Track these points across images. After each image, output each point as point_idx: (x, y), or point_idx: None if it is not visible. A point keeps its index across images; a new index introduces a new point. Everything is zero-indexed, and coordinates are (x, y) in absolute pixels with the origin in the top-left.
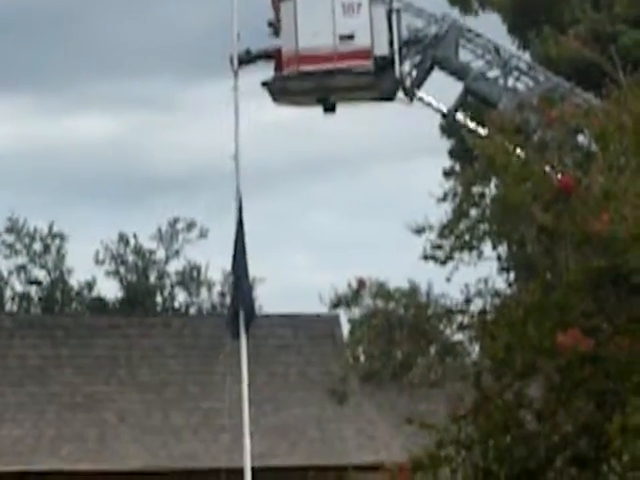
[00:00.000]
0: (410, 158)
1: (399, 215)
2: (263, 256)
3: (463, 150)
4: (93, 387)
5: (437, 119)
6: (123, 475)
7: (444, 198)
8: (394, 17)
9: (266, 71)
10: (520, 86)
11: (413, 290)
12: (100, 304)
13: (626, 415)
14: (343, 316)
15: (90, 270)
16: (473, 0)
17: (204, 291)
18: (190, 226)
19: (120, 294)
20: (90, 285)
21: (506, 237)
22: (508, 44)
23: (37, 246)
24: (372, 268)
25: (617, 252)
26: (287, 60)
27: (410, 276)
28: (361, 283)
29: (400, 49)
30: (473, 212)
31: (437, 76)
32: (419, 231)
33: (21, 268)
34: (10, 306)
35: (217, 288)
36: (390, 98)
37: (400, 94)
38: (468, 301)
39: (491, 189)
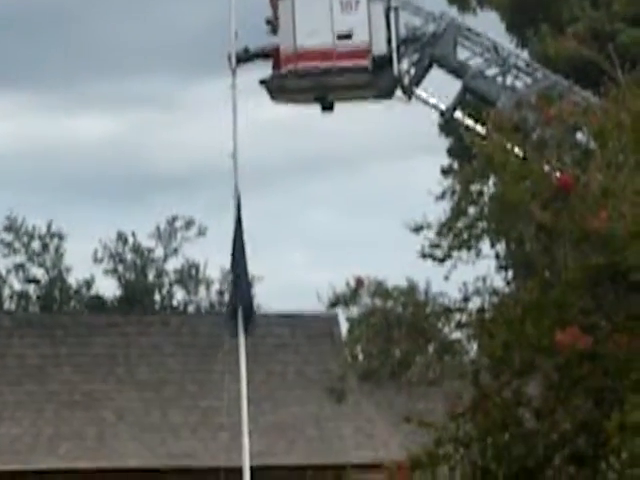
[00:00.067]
0: (408, 156)
1: (397, 213)
2: (261, 254)
3: (461, 148)
4: (91, 385)
5: (435, 117)
6: (122, 473)
7: (442, 196)
8: (392, 15)
9: (264, 69)
10: (519, 84)
11: (411, 288)
12: (98, 302)
13: (624, 413)
14: (341, 315)
15: (88, 269)
16: None
17: (202, 289)
18: (188, 224)
19: (118, 292)
20: (88, 283)
21: (504, 235)
22: (506, 42)
23: (36, 245)
24: (370, 266)
25: (616, 250)
26: (285, 58)
27: (408, 274)
28: (359, 282)
29: (398, 47)
30: (471, 210)
31: (435, 74)
32: (417, 229)
33: (19, 267)
34: (9, 305)
35: (215, 286)
36: (388, 96)
37: (398, 92)
38: (466, 299)
39: (489, 187)
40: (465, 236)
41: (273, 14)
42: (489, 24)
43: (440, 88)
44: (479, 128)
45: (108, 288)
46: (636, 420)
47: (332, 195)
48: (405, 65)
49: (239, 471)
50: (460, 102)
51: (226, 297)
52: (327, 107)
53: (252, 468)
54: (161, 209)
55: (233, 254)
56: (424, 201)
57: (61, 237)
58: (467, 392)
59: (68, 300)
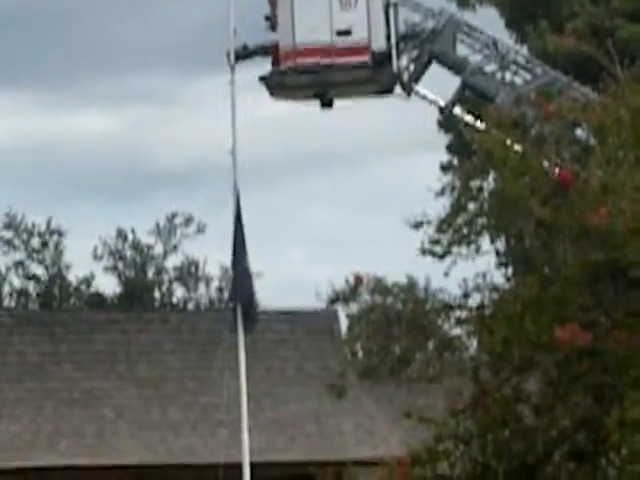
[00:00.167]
0: (408, 153)
1: (397, 210)
2: (260, 251)
3: (461, 145)
4: (91, 383)
5: (435, 113)
6: (121, 470)
7: (442, 192)
8: (391, 11)
9: (263, 66)
10: (518, 80)
11: (411, 285)
12: (98, 300)
13: (624, 409)
14: (341, 311)
15: (88, 266)
16: None
17: (202, 286)
18: (188, 221)
19: (118, 290)
20: (88, 281)
21: (504, 231)
22: (505, 38)
23: (35, 242)
24: (370, 263)
25: (615, 246)
26: (284, 55)
27: (408, 271)
28: (358, 279)
29: (397, 43)
30: (471, 206)
31: (435, 70)
32: (417, 225)
33: (19, 264)
34: (8, 302)
35: (215, 283)
36: (388, 93)
37: (398, 89)
38: (466, 296)
39: (489, 183)
40: (465, 232)
41: (272, 11)
42: (488, 20)
43: (439, 84)
44: (478, 124)
45: (108, 285)
46: (636, 416)
47: (331, 191)
48: (404, 61)
49: (239, 467)
50: (459, 98)
51: (226, 294)
52: (326, 103)
53: (252, 464)
54: (160, 206)
55: (234, 251)
56: (424, 197)
57: (61, 234)
58: (467, 388)
59: (68, 297)
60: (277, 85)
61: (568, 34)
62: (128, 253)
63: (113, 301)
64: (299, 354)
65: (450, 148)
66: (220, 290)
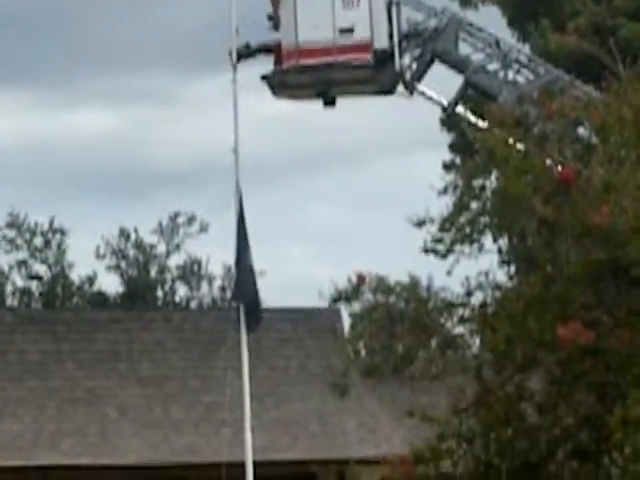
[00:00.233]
0: (410, 151)
1: (400, 208)
2: (263, 249)
3: (463, 143)
4: (94, 381)
5: (437, 112)
6: (124, 469)
7: (445, 191)
8: (394, 10)
9: (266, 65)
10: (520, 79)
11: (414, 284)
12: (101, 299)
13: (627, 407)
14: (344, 310)
15: (91, 265)
16: None
17: (205, 285)
18: (190, 220)
19: (121, 288)
20: (91, 280)
21: (506, 230)
22: (508, 37)
23: (38, 241)
24: (373, 261)
25: (617, 244)
26: (287, 54)
27: (411, 269)
28: (360, 278)
29: (400, 42)
30: (474, 205)
31: (437, 69)
32: (420, 224)
33: (22, 263)
34: (11, 301)
35: (218, 282)
36: (390, 91)
37: (400, 87)
38: (469, 294)
39: (492, 182)
40: (467, 231)
41: (274, 10)
42: (490, 19)
43: (442, 83)
44: (481, 123)
45: (110, 284)
46: (638, 415)
47: (334, 190)
48: (407, 60)
49: (242, 466)
50: (462, 97)
51: (228, 293)
52: (329, 102)
53: (255, 463)
54: (163, 205)
55: (237, 250)
56: (426, 196)
57: (63, 233)
58: (470, 387)
59: (70, 296)
60: (279, 84)
61: (570, 33)
62: (131, 252)
63: (116, 300)
64: (302, 353)
65: (452, 147)
66: (223, 289)
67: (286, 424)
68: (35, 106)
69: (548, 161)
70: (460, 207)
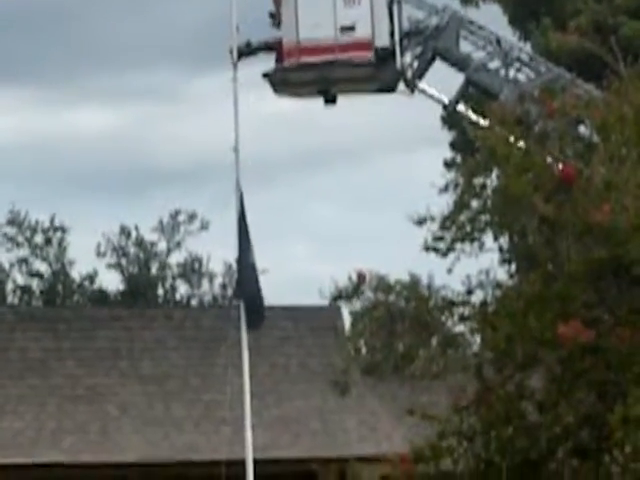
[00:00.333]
0: (411, 149)
1: (401, 207)
2: (264, 247)
3: (464, 141)
4: (95, 379)
5: (438, 110)
6: (125, 466)
7: (445, 189)
8: (395, 8)
9: (267, 63)
10: (521, 77)
11: (414, 282)
12: (101, 296)
13: (627, 406)
14: (344, 308)
15: (91, 262)
16: None
17: (205, 283)
18: (191, 218)
19: (122, 286)
20: (92, 277)
21: (507, 228)
22: (509, 35)
23: (39, 239)
24: (374, 259)
25: (618, 243)
26: (288, 51)
27: (411, 268)
28: (361, 276)
29: (401, 40)
30: (474, 203)
31: (438, 67)
32: (420, 222)
33: (22, 261)
34: (12, 299)
35: (218, 280)
36: (391, 89)
37: (401, 85)
38: (469, 292)
39: (492, 180)
40: (468, 229)
41: (276, 8)
42: (491, 17)
43: (443, 81)
44: (482, 121)
45: (111, 282)
46: (639, 413)
47: (335, 188)
48: (408, 58)
49: (242, 464)
50: (463, 95)
51: (229, 291)
52: (330, 100)
53: (255, 461)
54: (164, 203)
55: (239, 249)
56: (427, 194)
57: (64, 231)
58: (470, 385)
59: (71, 294)
60: (281, 82)
61: (571, 31)
62: (131, 250)
63: (116, 298)
64: (302, 351)
65: (454, 145)
66: (224, 287)
67: (287, 422)
68: (37, 104)
69: (549, 159)
70: (461, 205)
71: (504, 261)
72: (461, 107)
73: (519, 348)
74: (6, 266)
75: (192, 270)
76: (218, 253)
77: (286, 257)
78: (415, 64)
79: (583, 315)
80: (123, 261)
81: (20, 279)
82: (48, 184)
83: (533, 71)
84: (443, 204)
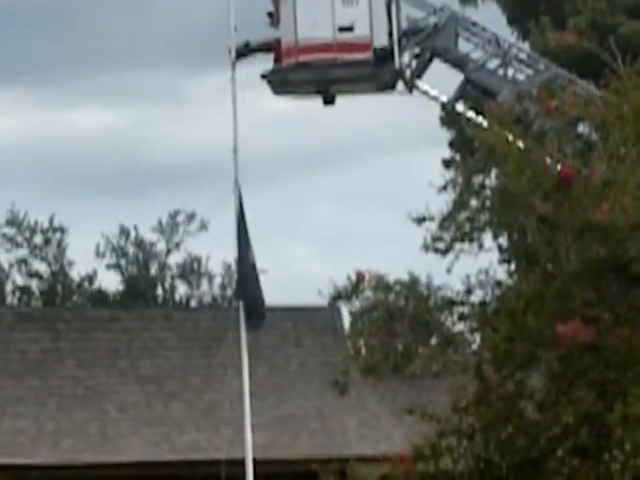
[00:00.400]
0: (410, 149)
1: (400, 206)
2: (264, 247)
3: (463, 141)
4: (94, 380)
5: (437, 110)
6: (124, 467)
7: (444, 188)
8: (393, 8)
9: (266, 63)
10: (520, 76)
11: (413, 282)
12: (101, 297)
13: (627, 404)
14: (344, 308)
15: (91, 263)
16: None
17: (205, 283)
18: (190, 218)
19: (121, 287)
20: (91, 278)
21: (506, 227)
22: (508, 35)
23: (38, 239)
24: (373, 259)
25: (617, 241)
26: (286, 51)
27: (410, 267)
28: (360, 276)
29: (399, 40)
30: (473, 202)
31: (437, 67)
32: (420, 221)
33: (22, 261)
34: (11, 299)
35: (218, 280)
36: (390, 89)
37: (400, 85)
38: (469, 292)
39: (491, 179)
40: (467, 228)
41: (274, 7)
42: (490, 16)
43: (441, 81)
44: (481, 120)
45: (110, 282)
46: (639, 412)
47: (334, 188)
48: (406, 58)
49: (242, 464)
50: (461, 94)
51: (229, 291)
52: (329, 100)
53: (255, 461)
54: (163, 203)
55: (239, 249)
56: (426, 193)
57: (63, 231)
58: (470, 384)
59: (70, 294)
60: (279, 82)
61: (570, 31)
62: (130, 250)
63: (116, 298)
64: (302, 351)
65: (452, 144)
66: (223, 287)
67: (286, 422)
68: (35, 104)
69: (548, 158)
70: (460, 204)
71: (503, 260)
72: (460, 106)
73: (519, 347)
74: (5, 266)
75: (191, 270)
76: (217, 253)
77: (286, 257)
78: (414, 64)
79: (582, 314)
80: (122, 261)
81: (19, 279)
82: (47, 184)
83: (532, 70)
84: (442, 203)
